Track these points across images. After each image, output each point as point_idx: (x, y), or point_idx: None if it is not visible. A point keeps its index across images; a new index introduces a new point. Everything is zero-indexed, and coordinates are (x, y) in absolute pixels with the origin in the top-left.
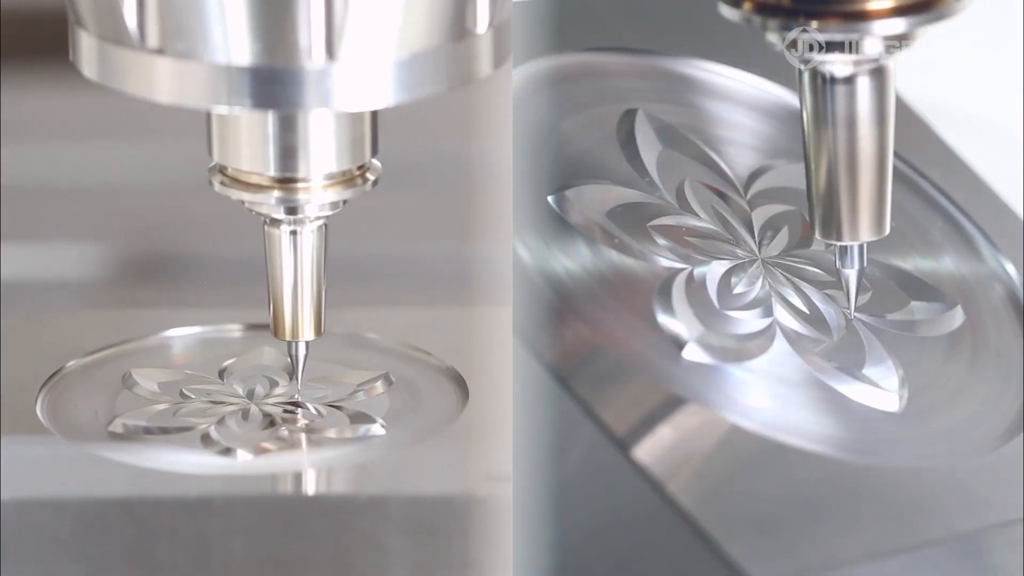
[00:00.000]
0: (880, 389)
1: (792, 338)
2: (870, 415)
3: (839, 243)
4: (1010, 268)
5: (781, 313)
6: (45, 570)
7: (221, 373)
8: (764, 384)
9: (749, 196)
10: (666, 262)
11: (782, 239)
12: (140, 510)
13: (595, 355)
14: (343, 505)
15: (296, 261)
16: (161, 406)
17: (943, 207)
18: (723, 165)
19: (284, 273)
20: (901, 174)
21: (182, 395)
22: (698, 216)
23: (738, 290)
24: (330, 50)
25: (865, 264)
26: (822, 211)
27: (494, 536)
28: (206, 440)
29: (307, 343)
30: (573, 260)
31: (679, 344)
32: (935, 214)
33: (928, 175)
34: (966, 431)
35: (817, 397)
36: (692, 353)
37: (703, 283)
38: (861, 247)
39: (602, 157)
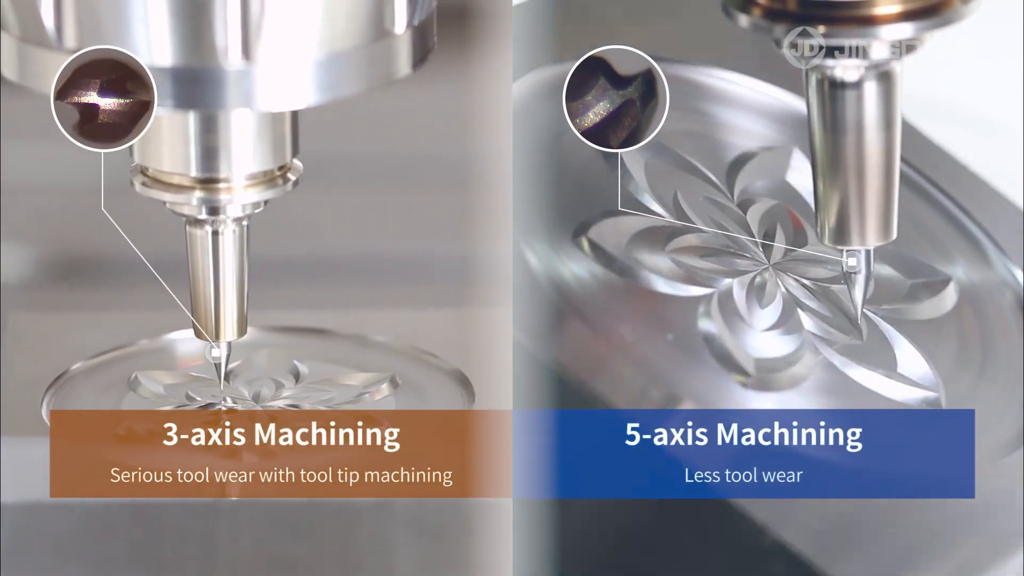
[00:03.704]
0: (922, 388)
1: (822, 344)
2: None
3: (847, 248)
4: (1020, 275)
5: (808, 322)
6: (49, 573)
7: (227, 375)
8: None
9: (736, 199)
10: (697, 289)
11: (780, 239)
12: (146, 511)
13: (602, 361)
14: (349, 504)
15: (219, 261)
16: (166, 408)
17: (951, 213)
18: (704, 169)
19: (207, 274)
20: (909, 180)
21: (188, 397)
22: (702, 230)
23: (764, 306)
24: (247, 51)
25: (872, 269)
26: (830, 216)
27: (495, 533)
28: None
29: (229, 343)
30: (581, 266)
31: (742, 377)
32: (944, 220)
33: (936, 180)
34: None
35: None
36: (752, 396)
37: (733, 307)
38: (868, 252)
39: (603, 169)
